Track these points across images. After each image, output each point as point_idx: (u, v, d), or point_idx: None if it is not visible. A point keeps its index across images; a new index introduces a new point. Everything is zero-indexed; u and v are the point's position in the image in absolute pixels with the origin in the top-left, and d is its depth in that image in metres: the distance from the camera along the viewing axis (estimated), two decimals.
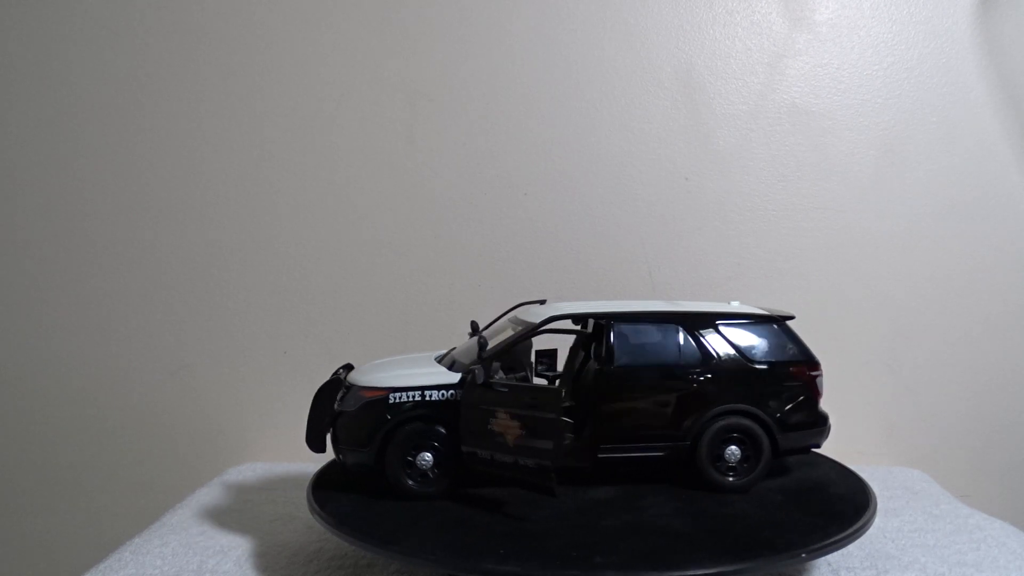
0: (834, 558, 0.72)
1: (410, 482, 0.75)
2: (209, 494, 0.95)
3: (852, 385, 1.09)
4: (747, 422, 0.77)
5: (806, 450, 0.81)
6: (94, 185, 1.10)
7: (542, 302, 0.89)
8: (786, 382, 0.78)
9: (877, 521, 0.72)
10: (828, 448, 0.91)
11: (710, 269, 1.08)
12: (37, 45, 1.09)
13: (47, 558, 1.14)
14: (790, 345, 0.80)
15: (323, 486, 0.79)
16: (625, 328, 0.78)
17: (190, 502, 0.93)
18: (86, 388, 1.12)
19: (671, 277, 1.08)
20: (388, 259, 1.10)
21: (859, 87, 1.06)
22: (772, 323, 0.80)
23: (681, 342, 0.78)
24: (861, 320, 1.08)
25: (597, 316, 0.80)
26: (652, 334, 0.79)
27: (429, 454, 0.75)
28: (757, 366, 0.78)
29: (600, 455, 0.77)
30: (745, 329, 0.80)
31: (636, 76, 1.07)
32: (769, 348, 0.79)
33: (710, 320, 0.79)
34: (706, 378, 0.77)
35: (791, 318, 0.82)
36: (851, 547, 0.67)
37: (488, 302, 1.07)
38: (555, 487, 0.69)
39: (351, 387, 0.78)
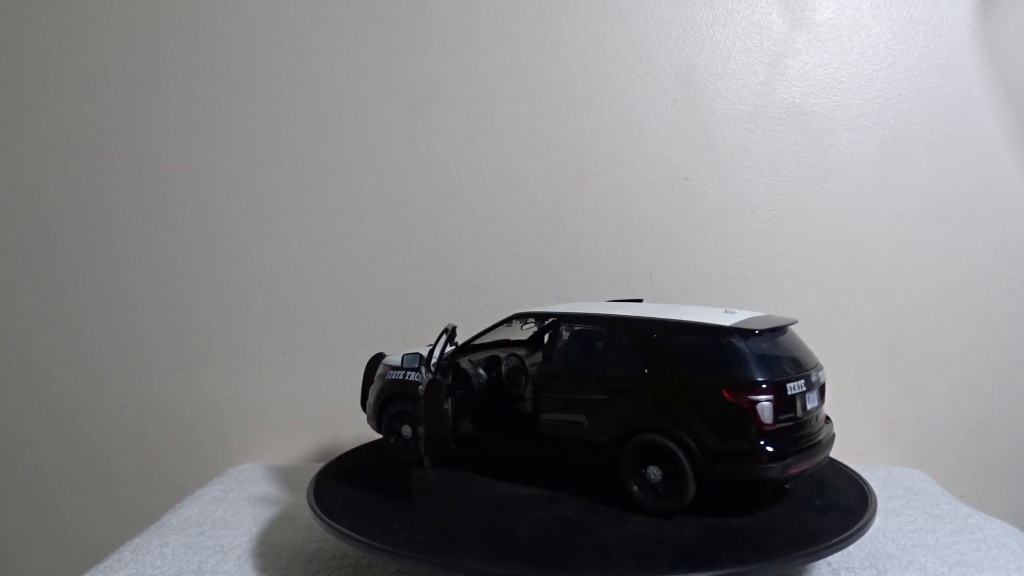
0: (834, 558, 0.72)
1: (394, 449, 0.84)
2: (209, 494, 0.95)
3: (852, 385, 1.09)
4: (667, 442, 0.70)
5: (755, 485, 0.71)
6: (91, 185, 1.10)
7: (639, 301, 0.87)
8: (717, 404, 0.68)
9: (877, 521, 0.72)
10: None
11: (710, 269, 1.08)
12: (21, 49, 1.09)
13: (47, 558, 1.14)
14: (736, 363, 0.69)
15: (323, 486, 0.79)
16: (570, 330, 0.78)
17: (190, 502, 0.93)
18: (85, 388, 1.12)
19: (671, 277, 1.08)
20: (388, 259, 1.10)
21: (859, 87, 1.06)
22: (721, 336, 0.70)
23: (618, 349, 0.74)
24: (861, 320, 1.08)
25: (555, 316, 0.80)
26: (595, 339, 0.77)
27: (408, 426, 0.83)
28: (685, 382, 0.70)
29: (530, 452, 0.78)
30: (686, 341, 0.71)
31: (636, 76, 1.07)
32: (708, 364, 0.70)
33: (649, 328, 0.73)
34: (632, 390, 0.72)
35: (758, 331, 0.71)
36: (851, 547, 0.67)
37: (488, 302, 1.07)
38: (426, 460, 0.76)
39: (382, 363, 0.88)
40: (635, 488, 0.72)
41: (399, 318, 1.10)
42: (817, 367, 0.74)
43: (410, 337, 1.08)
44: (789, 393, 0.69)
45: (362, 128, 1.09)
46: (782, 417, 0.68)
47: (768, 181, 1.08)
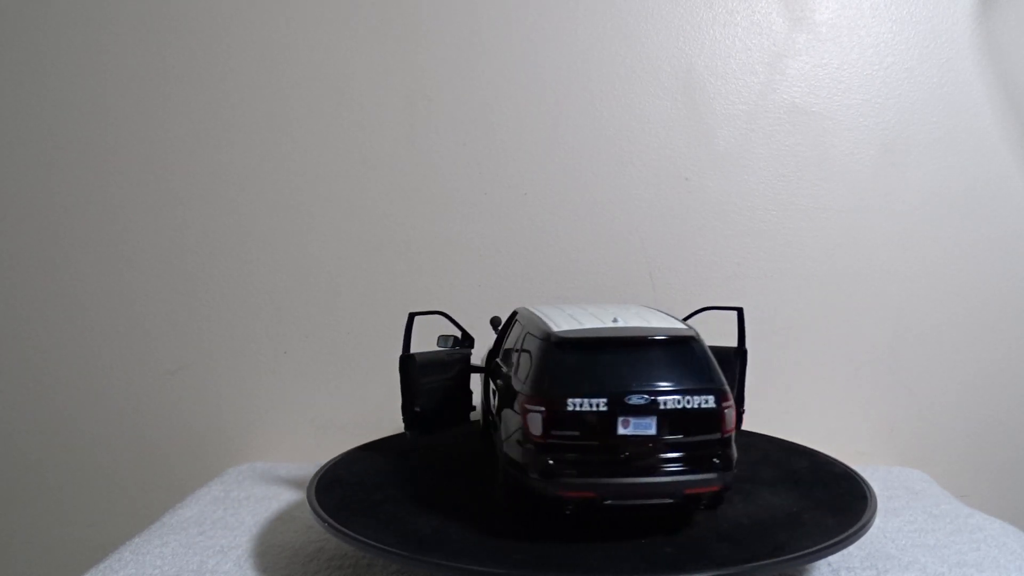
0: (834, 558, 0.72)
1: None
2: (209, 494, 0.95)
3: (852, 385, 1.09)
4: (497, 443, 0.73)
5: (534, 499, 0.67)
6: (92, 185, 1.10)
7: (739, 309, 0.83)
8: (515, 410, 0.68)
9: (877, 521, 0.72)
10: (829, 448, 0.91)
11: (710, 269, 1.08)
12: (21, 48, 1.09)
13: (48, 558, 1.14)
14: (537, 370, 0.67)
15: (323, 486, 0.79)
16: (517, 328, 0.79)
17: (190, 502, 0.93)
18: (85, 388, 1.12)
19: (671, 277, 1.08)
20: (388, 259, 1.10)
21: (859, 87, 1.06)
22: (542, 342, 0.69)
23: (521, 350, 0.75)
24: (861, 320, 1.08)
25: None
26: (528, 340, 0.75)
27: None
28: (509, 386, 0.71)
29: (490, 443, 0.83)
30: (532, 345, 0.70)
31: (636, 76, 1.07)
32: (528, 369, 0.69)
33: (526, 329, 0.74)
34: (509, 389, 0.72)
35: (572, 340, 0.67)
36: (851, 547, 0.67)
37: (488, 302, 1.07)
38: (408, 432, 0.83)
39: None
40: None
41: (399, 318, 1.10)
42: (672, 392, 0.65)
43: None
44: (570, 408, 0.64)
45: (362, 128, 1.09)
46: (558, 432, 0.64)
47: (768, 181, 1.08)
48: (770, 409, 1.04)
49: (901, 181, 1.07)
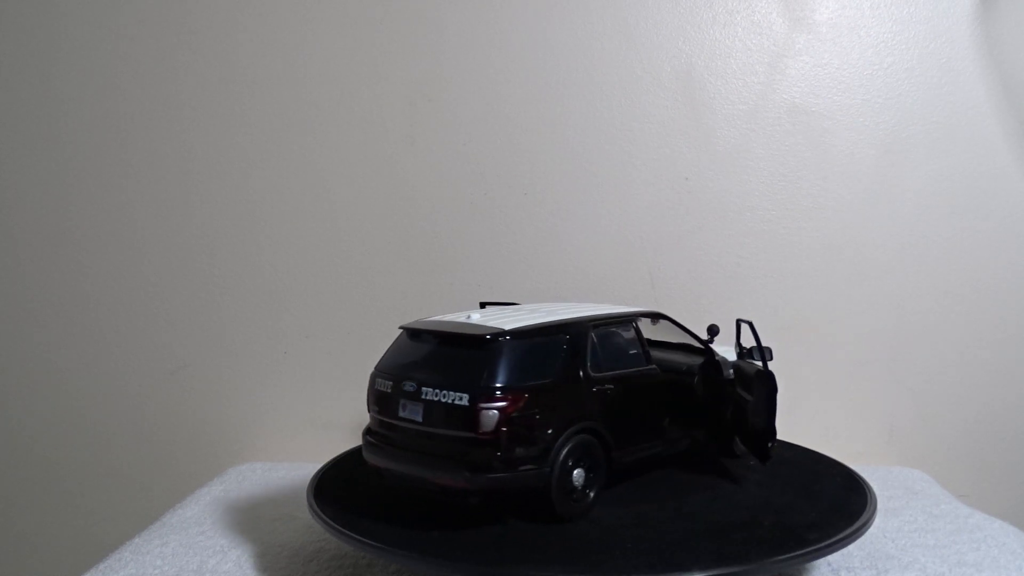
0: (834, 558, 0.72)
1: None
2: (209, 494, 0.95)
3: (852, 385, 1.09)
4: None
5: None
6: (91, 185, 1.10)
7: (749, 323, 0.78)
8: None
9: (877, 521, 0.72)
10: (829, 448, 0.91)
11: (710, 269, 1.08)
12: (30, 46, 1.09)
13: (47, 558, 1.14)
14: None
15: (323, 486, 0.79)
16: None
17: (190, 502, 0.93)
18: (86, 388, 1.12)
19: (671, 277, 1.08)
20: (388, 259, 1.10)
21: (859, 87, 1.06)
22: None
23: None
24: (861, 320, 1.08)
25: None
26: None
27: None
28: None
29: None
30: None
31: (636, 76, 1.07)
32: None
33: None
34: None
35: (407, 330, 0.73)
36: (851, 547, 0.67)
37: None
38: None
39: None
40: None
41: (399, 318, 1.10)
42: (433, 385, 0.68)
43: None
44: (377, 388, 0.73)
45: (362, 128, 1.09)
46: (373, 408, 0.73)
47: (768, 181, 1.08)
48: None
49: (901, 181, 1.07)
